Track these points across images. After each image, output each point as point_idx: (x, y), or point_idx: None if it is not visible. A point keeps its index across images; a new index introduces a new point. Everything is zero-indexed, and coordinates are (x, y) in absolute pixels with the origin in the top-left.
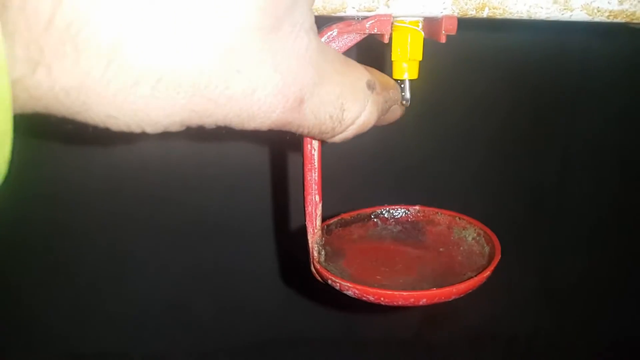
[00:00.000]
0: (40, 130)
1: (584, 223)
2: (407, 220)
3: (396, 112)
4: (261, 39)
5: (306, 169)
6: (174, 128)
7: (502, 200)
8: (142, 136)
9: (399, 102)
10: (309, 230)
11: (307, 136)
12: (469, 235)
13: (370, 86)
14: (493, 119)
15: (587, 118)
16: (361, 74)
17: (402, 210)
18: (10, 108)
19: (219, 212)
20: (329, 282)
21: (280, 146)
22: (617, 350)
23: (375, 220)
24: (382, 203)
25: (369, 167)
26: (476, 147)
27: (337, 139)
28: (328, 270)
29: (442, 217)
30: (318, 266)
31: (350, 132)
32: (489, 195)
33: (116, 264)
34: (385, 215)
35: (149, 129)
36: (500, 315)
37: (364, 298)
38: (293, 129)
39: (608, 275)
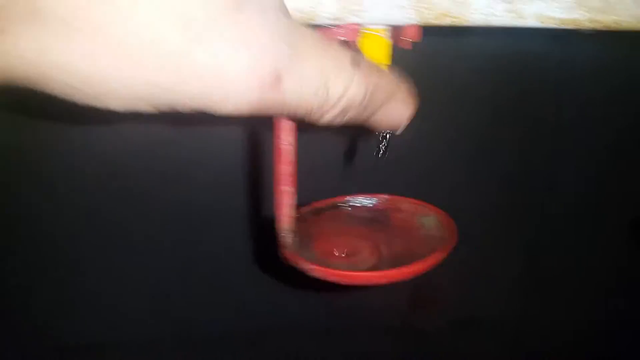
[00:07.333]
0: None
1: (573, 208)
2: (376, 209)
3: (400, 109)
4: (226, 14)
5: (277, 161)
6: (142, 106)
7: (489, 186)
8: (116, 116)
9: (398, 98)
10: (279, 217)
11: (293, 119)
12: (431, 222)
13: (355, 62)
14: (471, 116)
15: (573, 112)
16: (344, 50)
17: (370, 199)
18: None
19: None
20: (297, 264)
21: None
22: (604, 334)
23: (346, 207)
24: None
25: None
26: (461, 142)
27: (327, 118)
28: (295, 254)
29: (407, 204)
30: (286, 251)
31: (338, 108)
32: (476, 182)
33: (101, 255)
34: (356, 204)
35: (114, 104)
36: (488, 301)
37: (328, 279)
38: (277, 112)
39: (597, 260)
